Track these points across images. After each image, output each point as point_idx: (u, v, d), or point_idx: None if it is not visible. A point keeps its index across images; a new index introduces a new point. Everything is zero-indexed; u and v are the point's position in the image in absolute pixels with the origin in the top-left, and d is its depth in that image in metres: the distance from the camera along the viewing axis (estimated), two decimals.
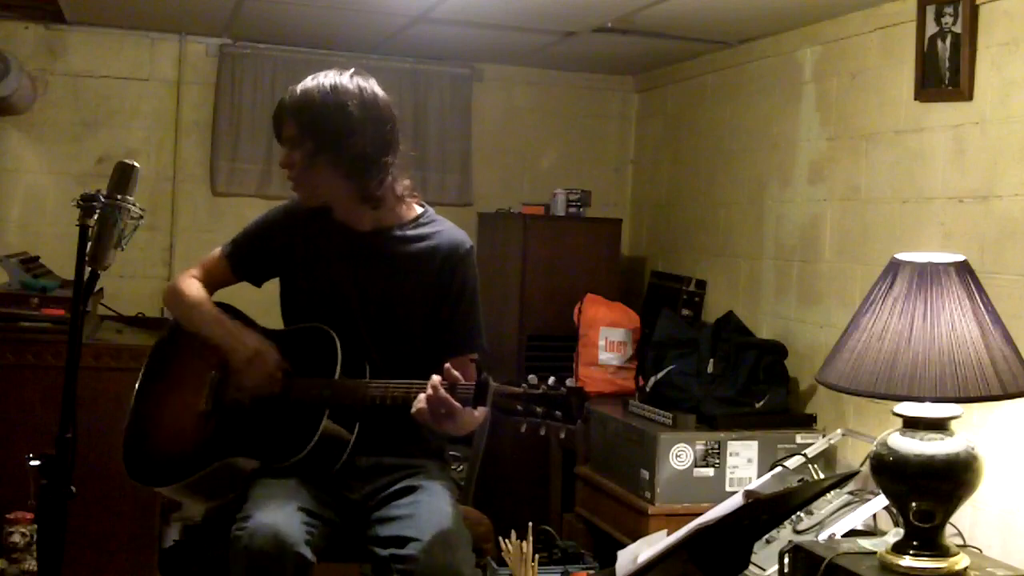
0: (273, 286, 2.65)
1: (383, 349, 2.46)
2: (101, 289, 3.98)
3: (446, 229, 2.55)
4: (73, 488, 2.07)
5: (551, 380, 2.14)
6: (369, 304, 2.48)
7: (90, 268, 2.14)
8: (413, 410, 2.23)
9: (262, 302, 2.73)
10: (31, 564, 3.45)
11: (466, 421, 2.31)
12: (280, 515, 2.18)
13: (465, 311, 2.52)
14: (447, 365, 2.24)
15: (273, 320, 2.59)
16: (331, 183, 2.46)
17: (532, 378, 2.14)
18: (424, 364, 2.42)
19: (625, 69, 5.24)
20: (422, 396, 2.22)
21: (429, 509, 2.31)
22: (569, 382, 2.15)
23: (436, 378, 2.21)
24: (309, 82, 2.44)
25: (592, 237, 4.80)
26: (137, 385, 2.58)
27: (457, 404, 2.18)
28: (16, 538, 3.48)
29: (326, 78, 2.43)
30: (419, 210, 2.57)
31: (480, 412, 2.26)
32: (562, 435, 2.15)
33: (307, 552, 2.16)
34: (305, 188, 2.49)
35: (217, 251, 2.63)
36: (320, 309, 2.48)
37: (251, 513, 2.20)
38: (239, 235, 2.63)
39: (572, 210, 4.81)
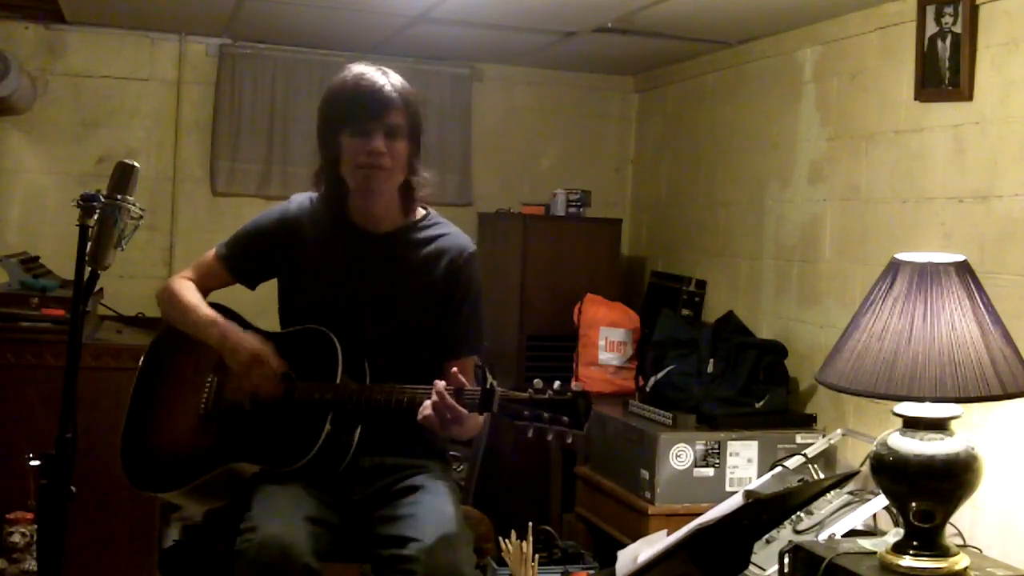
0: (266, 288, 2.63)
1: (386, 350, 2.45)
2: (101, 289, 3.98)
3: (452, 233, 2.55)
4: (73, 488, 2.06)
5: (557, 384, 2.12)
6: (375, 305, 2.47)
7: (90, 268, 2.13)
8: (420, 417, 2.22)
9: (256, 304, 2.71)
10: (31, 564, 3.45)
11: (472, 426, 2.32)
12: (286, 526, 2.17)
13: (467, 315, 2.51)
14: (454, 369, 2.23)
15: (267, 323, 2.57)
16: (398, 182, 2.46)
17: (538, 382, 2.13)
18: (425, 366, 2.42)
19: (625, 69, 5.24)
20: (428, 403, 2.21)
21: (431, 509, 2.31)
22: (575, 386, 2.13)
23: (441, 384, 2.20)
24: (393, 76, 2.43)
25: (592, 237, 4.80)
26: (133, 387, 2.55)
27: (464, 410, 2.17)
28: (16, 538, 3.48)
29: (396, 75, 2.45)
30: (422, 212, 2.57)
31: (485, 416, 2.25)
32: (569, 440, 2.13)
33: (313, 562, 2.15)
34: (388, 182, 2.43)
35: (211, 252, 2.60)
36: (323, 310, 2.46)
37: (257, 524, 2.18)
38: (235, 236, 2.59)
39: (572, 210, 4.81)
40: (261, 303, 2.73)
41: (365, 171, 2.39)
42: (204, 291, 2.57)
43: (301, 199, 2.58)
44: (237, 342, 2.39)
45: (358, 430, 2.37)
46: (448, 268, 2.49)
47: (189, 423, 2.46)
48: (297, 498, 2.28)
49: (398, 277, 2.48)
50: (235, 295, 2.61)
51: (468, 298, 2.51)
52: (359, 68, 2.44)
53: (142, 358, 2.60)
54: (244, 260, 2.57)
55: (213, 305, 2.54)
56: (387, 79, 2.41)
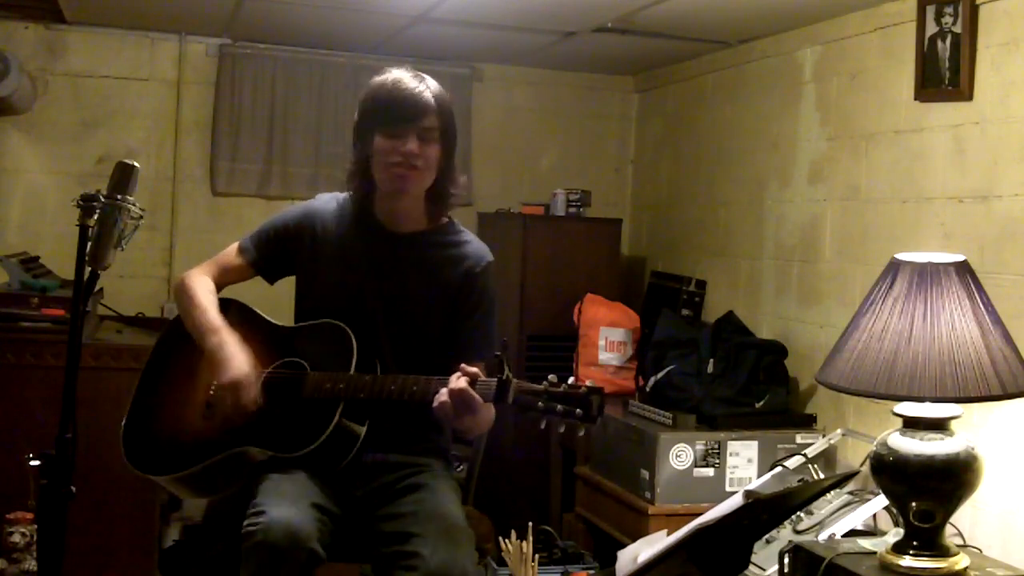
0: (282, 285, 2.65)
1: (397, 350, 2.47)
2: (101, 289, 3.98)
3: (472, 242, 2.58)
4: (73, 488, 2.07)
5: (570, 379, 2.18)
6: (389, 304, 2.49)
7: (90, 268, 2.14)
8: (435, 403, 2.24)
9: (271, 301, 2.72)
10: (31, 564, 3.45)
11: (484, 418, 2.35)
12: (294, 510, 2.18)
13: (478, 323, 2.53)
14: (462, 364, 2.25)
15: (279, 318, 2.59)
16: (427, 184, 2.49)
17: (552, 377, 2.18)
18: (436, 367, 2.43)
19: (625, 69, 5.24)
20: (444, 391, 2.23)
21: (433, 507, 2.32)
22: (589, 382, 2.18)
23: (459, 374, 2.22)
24: (430, 81, 2.50)
25: (592, 237, 4.80)
26: (143, 372, 2.57)
27: (479, 399, 2.20)
28: (16, 538, 3.48)
29: (433, 81, 2.51)
30: (445, 220, 2.59)
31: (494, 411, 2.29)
32: (580, 433, 2.18)
33: (319, 548, 2.16)
34: (418, 184, 2.46)
35: (234, 247, 2.62)
36: (338, 307, 2.48)
37: (264, 508, 2.19)
38: (257, 231, 2.61)
39: (572, 210, 4.82)
40: (276, 299, 2.74)
41: (397, 171, 2.43)
42: (223, 284, 2.59)
43: (326, 198, 2.61)
44: (228, 358, 2.38)
45: (366, 423, 2.38)
46: (464, 275, 2.52)
47: (197, 408, 2.47)
48: (303, 485, 2.30)
49: (411, 277, 2.51)
50: (251, 291, 2.62)
51: (481, 306, 2.53)
52: (398, 72, 2.50)
53: (154, 346, 2.62)
54: (265, 255, 2.59)
55: (231, 301, 2.56)
56: (425, 84, 2.48)
